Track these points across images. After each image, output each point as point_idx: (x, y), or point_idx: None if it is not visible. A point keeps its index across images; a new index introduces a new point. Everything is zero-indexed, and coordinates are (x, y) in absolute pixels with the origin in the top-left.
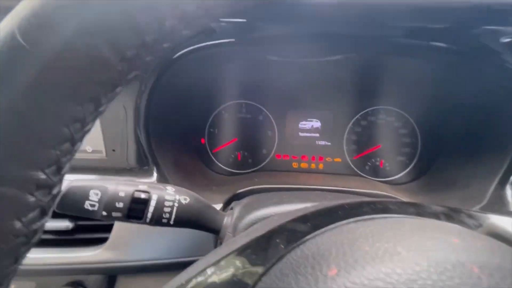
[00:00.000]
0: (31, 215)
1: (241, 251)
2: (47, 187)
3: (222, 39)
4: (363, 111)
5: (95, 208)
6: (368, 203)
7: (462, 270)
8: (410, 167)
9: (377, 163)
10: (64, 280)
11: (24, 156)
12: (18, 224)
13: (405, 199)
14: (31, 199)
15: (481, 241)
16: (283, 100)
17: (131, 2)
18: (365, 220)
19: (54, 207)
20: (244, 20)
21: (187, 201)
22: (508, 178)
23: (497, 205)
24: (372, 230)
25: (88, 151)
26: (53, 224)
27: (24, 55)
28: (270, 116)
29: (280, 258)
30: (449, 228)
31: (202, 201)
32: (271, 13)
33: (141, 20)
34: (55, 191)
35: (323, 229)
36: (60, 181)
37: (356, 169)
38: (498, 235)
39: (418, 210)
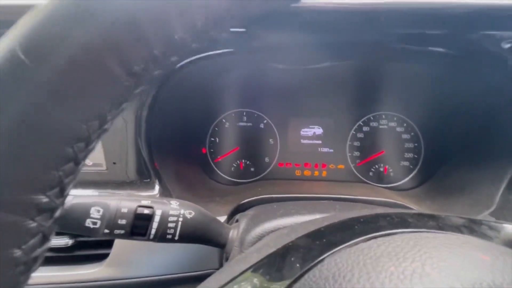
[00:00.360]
0: (32, 241)
1: (255, 269)
2: (49, 210)
3: (222, 49)
4: (365, 117)
5: (97, 226)
6: (384, 215)
7: None
8: (414, 172)
9: (381, 169)
10: None
11: (25, 179)
12: (17, 253)
13: (411, 205)
14: (32, 224)
15: (511, 257)
16: (284, 107)
17: (140, 14)
18: (384, 236)
19: (55, 231)
20: (244, 29)
21: (192, 215)
22: None
23: (507, 210)
24: (395, 248)
25: (88, 164)
26: (53, 241)
27: (25, 73)
28: (272, 124)
29: (298, 278)
30: (475, 243)
31: (207, 215)
32: (273, 21)
33: (150, 33)
34: (57, 214)
35: (341, 246)
36: (63, 203)
37: (360, 176)
38: None
39: (438, 223)
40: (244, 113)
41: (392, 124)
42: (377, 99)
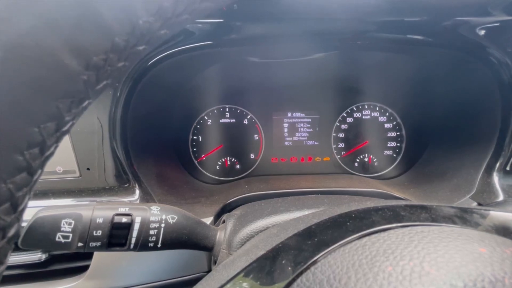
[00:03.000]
0: None
1: (245, 275)
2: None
3: (199, 41)
4: (348, 108)
5: (69, 240)
6: (376, 210)
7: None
8: (398, 160)
9: (366, 159)
10: None
11: None
12: None
13: (396, 193)
14: None
15: (508, 247)
16: (268, 102)
17: None
18: (378, 232)
19: (10, 252)
20: (221, 20)
21: (175, 220)
22: (494, 166)
23: (486, 193)
24: (390, 245)
25: (59, 172)
26: (22, 257)
27: None
28: (255, 119)
29: (290, 283)
30: (470, 234)
31: (192, 218)
32: (251, 10)
33: (109, 18)
34: (11, 234)
35: (334, 246)
36: (17, 221)
37: (345, 167)
38: None
39: (430, 215)
40: (227, 109)
41: (375, 114)
42: (359, 90)
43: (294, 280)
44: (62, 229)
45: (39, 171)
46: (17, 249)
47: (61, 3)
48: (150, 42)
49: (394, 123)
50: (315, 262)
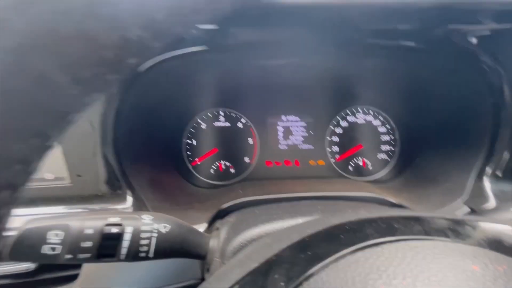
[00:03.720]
0: None
1: None
2: None
3: (193, 47)
4: (342, 112)
5: (57, 252)
6: (370, 221)
7: None
8: (391, 164)
9: (360, 163)
10: None
11: None
12: None
13: (390, 198)
14: None
15: (501, 264)
16: (262, 105)
17: (84, 9)
18: (371, 246)
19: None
20: (216, 27)
21: (167, 229)
22: (485, 171)
23: (477, 198)
24: (384, 262)
25: (49, 179)
26: (11, 267)
27: None
28: (250, 123)
29: None
30: (463, 250)
31: (185, 226)
32: (245, 17)
33: (97, 31)
34: None
35: (327, 261)
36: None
37: (340, 171)
38: (508, 248)
39: (424, 228)
40: (221, 113)
41: (369, 117)
42: (353, 94)
43: None
44: (50, 241)
45: (21, 188)
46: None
47: (45, 17)
48: (141, 55)
49: (388, 127)
50: (307, 278)
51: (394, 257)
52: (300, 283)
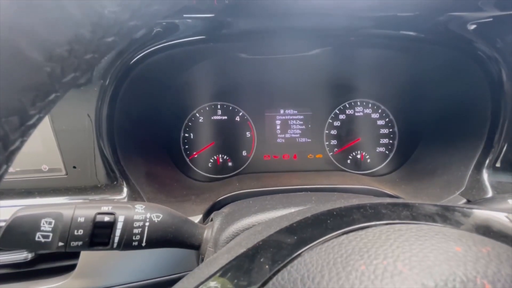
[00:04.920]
0: None
1: (223, 273)
2: None
3: (190, 36)
4: (341, 105)
5: (49, 240)
6: (358, 207)
7: None
8: (390, 157)
9: (358, 156)
10: None
11: None
12: None
13: (388, 190)
14: None
15: (485, 246)
16: (260, 99)
17: None
18: (356, 230)
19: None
20: (212, 15)
21: (159, 219)
22: (484, 162)
23: (475, 190)
24: (366, 244)
25: (44, 170)
26: (8, 257)
27: None
28: (247, 116)
29: (266, 282)
30: (448, 233)
31: (178, 216)
32: (242, 5)
33: (71, 8)
34: None
35: (311, 244)
36: None
37: (338, 164)
38: (496, 232)
39: (411, 213)
40: (219, 106)
41: (367, 110)
42: (352, 87)
43: (270, 278)
44: (42, 228)
45: (4, 166)
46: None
47: None
48: (120, 34)
49: (387, 119)
50: (291, 261)
51: (377, 239)
52: (285, 265)
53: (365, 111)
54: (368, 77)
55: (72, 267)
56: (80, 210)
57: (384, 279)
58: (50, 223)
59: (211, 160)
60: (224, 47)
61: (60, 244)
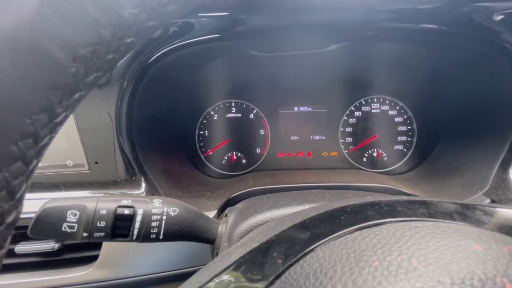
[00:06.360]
0: None
1: (237, 267)
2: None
3: (204, 35)
4: (357, 102)
5: (74, 230)
6: (373, 204)
7: (491, 287)
8: (408, 155)
9: (374, 154)
10: None
11: None
12: None
13: (405, 189)
14: None
15: (507, 245)
16: (274, 96)
17: None
18: (371, 227)
19: (9, 238)
20: (227, 13)
21: (176, 213)
22: (510, 161)
23: (501, 189)
24: (380, 240)
25: (69, 165)
26: (37, 246)
27: None
28: (261, 113)
29: (279, 276)
30: (467, 231)
31: (193, 211)
32: (257, 2)
33: (93, 11)
34: (8, 220)
35: (324, 240)
36: (15, 208)
37: (353, 162)
38: None
39: (429, 210)
40: (233, 104)
41: (385, 107)
42: (368, 83)
43: (283, 272)
44: (68, 219)
45: (35, 161)
46: (28, 238)
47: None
48: (139, 34)
49: (405, 116)
50: (304, 255)
51: (391, 236)
52: (297, 260)
53: (382, 108)
54: (385, 72)
55: (94, 258)
56: (102, 203)
57: (398, 275)
58: (75, 214)
59: (226, 157)
60: (238, 44)
61: (85, 234)
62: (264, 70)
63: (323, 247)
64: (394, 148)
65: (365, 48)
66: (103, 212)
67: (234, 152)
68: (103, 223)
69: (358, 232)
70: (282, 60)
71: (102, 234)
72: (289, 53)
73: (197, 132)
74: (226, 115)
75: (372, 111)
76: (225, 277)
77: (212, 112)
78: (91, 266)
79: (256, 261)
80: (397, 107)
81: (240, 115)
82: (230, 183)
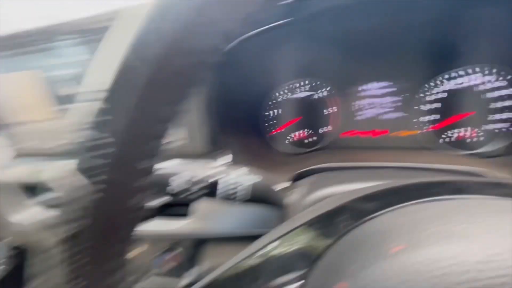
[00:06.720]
0: None
1: (305, 227)
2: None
3: (279, 20)
4: (442, 74)
5: (179, 189)
6: (446, 182)
7: None
8: (507, 136)
9: (464, 133)
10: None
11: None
12: None
13: (500, 174)
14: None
15: None
16: (347, 72)
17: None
18: (435, 200)
19: None
20: None
21: (253, 181)
22: None
23: None
24: (441, 212)
25: (176, 140)
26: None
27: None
28: (334, 91)
29: (343, 235)
30: None
31: (268, 180)
32: None
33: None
34: None
35: (388, 209)
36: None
37: (436, 142)
38: None
39: (505, 191)
40: (305, 82)
41: (478, 79)
42: (458, 52)
43: (346, 232)
44: (173, 182)
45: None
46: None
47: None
48: (229, 39)
49: (506, 91)
50: (367, 220)
51: (454, 209)
52: (361, 223)
53: (474, 81)
54: (479, 38)
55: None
56: (197, 170)
57: (451, 238)
58: (179, 178)
59: (297, 135)
60: (311, 25)
61: (185, 194)
62: (337, 46)
63: (385, 215)
64: (489, 127)
65: (452, 15)
66: (198, 177)
67: (306, 130)
68: (198, 186)
69: (421, 204)
70: (356, 34)
71: (198, 194)
72: (365, 24)
73: (268, 111)
74: (298, 94)
75: (462, 84)
76: (294, 234)
77: (282, 91)
78: (184, 219)
79: (323, 223)
80: (493, 79)
81: (312, 92)
82: (301, 160)
